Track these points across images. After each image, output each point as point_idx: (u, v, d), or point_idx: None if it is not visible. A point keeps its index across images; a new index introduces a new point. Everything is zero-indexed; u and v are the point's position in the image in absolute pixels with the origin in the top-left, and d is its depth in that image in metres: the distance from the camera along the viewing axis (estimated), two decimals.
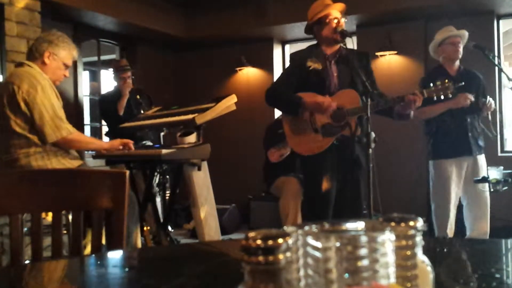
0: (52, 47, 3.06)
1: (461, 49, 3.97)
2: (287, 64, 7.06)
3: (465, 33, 4.01)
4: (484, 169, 3.96)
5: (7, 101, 2.92)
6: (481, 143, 3.95)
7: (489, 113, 3.89)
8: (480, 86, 4.02)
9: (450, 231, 3.96)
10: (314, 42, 3.46)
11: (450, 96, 3.16)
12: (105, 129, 6.10)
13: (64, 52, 3.10)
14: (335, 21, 3.23)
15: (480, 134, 3.96)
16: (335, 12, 3.26)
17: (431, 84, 3.14)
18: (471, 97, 3.78)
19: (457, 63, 4.02)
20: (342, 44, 3.27)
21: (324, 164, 3.21)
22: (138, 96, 5.09)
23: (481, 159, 3.97)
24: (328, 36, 3.25)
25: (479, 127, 3.96)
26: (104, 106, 5.22)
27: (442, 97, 3.12)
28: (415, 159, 4.47)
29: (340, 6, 3.29)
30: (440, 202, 3.95)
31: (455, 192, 3.92)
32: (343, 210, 3.24)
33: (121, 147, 3.38)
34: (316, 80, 3.23)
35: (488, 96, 3.91)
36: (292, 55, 3.48)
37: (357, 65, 3.17)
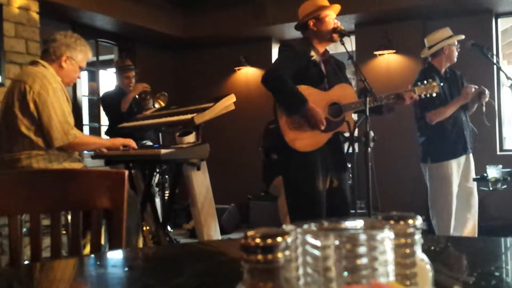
0: (70, 51, 3.03)
1: None
2: None
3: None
4: (474, 166, 4.00)
5: (17, 100, 2.88)
6: (471, 140, 3.98)
7: (484, 103, 3.89)
8: (463, 82, 4.07)
9: (451, 231, 3.96)
10: None
11: (434, 94, 3.38)
12: (104, 129, 6.11)
13: (81, 55, 3.08)
14: (335, 20, 3.24)
15: (471, 131, 3.99)
16: (333, 13, 3.28)
17: (419, 83, 3.33)
18: (473, 88, 3.81)
19: None
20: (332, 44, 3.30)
21: (317, 164, 3.16)
22: (147, 96, 5.10)
23: (471, 156, 4.01)
24: (324, 34, 3.24)
25: (469, 124, 4.00)
26: (107, 102, 5.24)
27: (434, 94, 3.36)
28: (415, 158, 4.47)
29: (338, 8, 3.31)
30: (444, 204, 3.90)
31: (456, 191, 3.93)
32: (331, 213, 3.17)
33: (121, 148, 3.37)
34: (316, 71, 3.21)
35: (482, 87, 3.93)
36: (291, 42, 3.43)
37: (338, 67, 3.24)
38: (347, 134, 3.27)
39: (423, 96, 3.32)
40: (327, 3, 3.31)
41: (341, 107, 3.16)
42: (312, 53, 3.21)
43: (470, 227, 3.95)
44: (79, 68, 3.13)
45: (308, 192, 3.17)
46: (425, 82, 3.28)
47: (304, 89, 3.11)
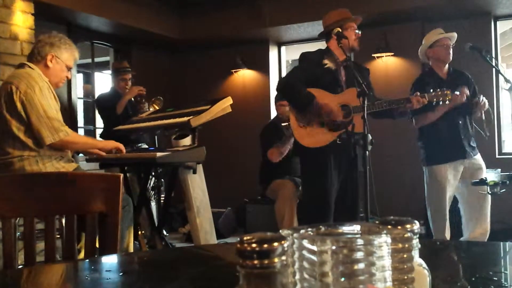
0: (54, 50, 3.03)
1: (451, 51, 3.96)
2: (284, 65, 7.14)
3: (455, 35, 3.99)
4: (484, 168, 3.93)
5: (5, 102, 2.89)
6: (473, 144, 3.93)
7: (483, 112, 3.86)
8: (471, 85, 4.00)
9: (447, 234, 3.94)
10: (309, 43, 3.54)
11: (447, 102, 3.47)
12: (99, 131, 6.09)
13: (67, 54, 3.09)
14: (356, 31, 3.44)
15: (472, 135, 3.94)
16: (355, 25, 3.47)
17: (431, 90, 3.41)
18: (467, 91, 3.78)
19: (447, 65, 4.00)
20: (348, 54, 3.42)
21: (328, 162, 3.34)
22: (142, 99, 5.11)
23: (478, 159, 3.93)
24: (345, 44, 3.36)
25: (471, 128, 3.94)
26: (102, 104, 5.23)
27: (441, 102, 3.45)
28: (413, 162, 4.48)
29: (359, 20, 3.52)
30: (437, 207, 3.91)
31: (450, 196, 3.91)
32: (342, 213, 3.35)
33: (113, 151, 3.36)
34: (330, 78, 3.39)
35: (481, 95, 3.88)
36: (306, 54, 3.60)
37: (360, 73, 3.32)
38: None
39: (434, 102, 3.45)
40: (350, 15, 3.49)
41: (350, 108, 3.33)
42: (326, 61, 3.40)
43: (478, 232, 3.89)
44: (67, 68, 3.12)
45: (318, 189, 3.39)
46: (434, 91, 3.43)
47: (314, 91, 3.33)
